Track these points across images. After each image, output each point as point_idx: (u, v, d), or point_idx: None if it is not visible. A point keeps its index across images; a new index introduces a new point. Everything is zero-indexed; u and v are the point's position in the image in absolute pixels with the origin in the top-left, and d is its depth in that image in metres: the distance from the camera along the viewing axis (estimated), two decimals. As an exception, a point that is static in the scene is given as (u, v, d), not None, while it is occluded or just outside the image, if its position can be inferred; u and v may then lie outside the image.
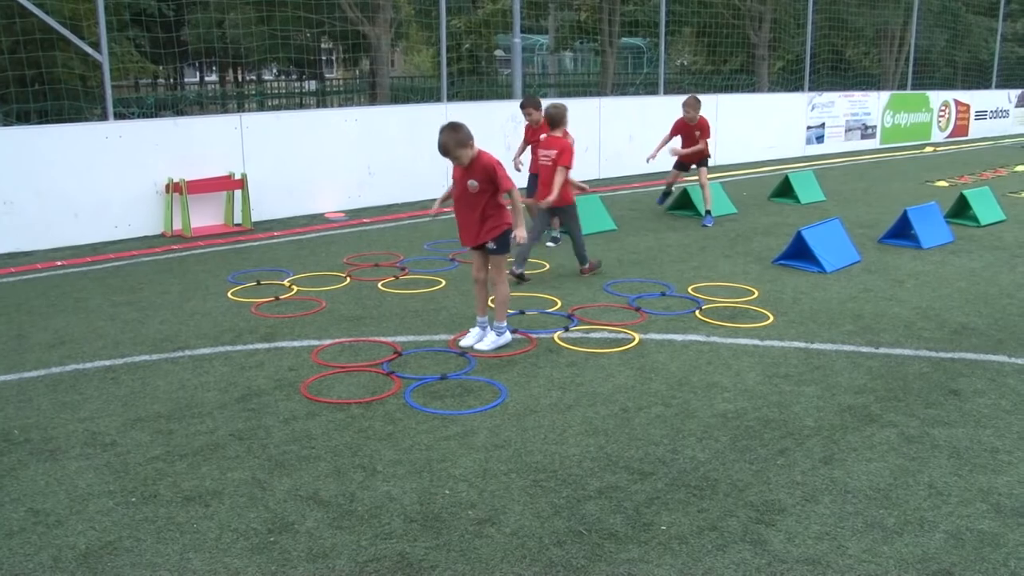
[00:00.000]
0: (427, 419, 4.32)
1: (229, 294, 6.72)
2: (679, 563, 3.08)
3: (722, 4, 18.80)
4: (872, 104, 18.88)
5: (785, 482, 3.66)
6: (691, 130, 9.79)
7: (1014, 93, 23.59)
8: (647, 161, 9.99)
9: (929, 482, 3.66)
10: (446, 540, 3.22)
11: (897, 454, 3.92)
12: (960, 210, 9.76)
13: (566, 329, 5.75)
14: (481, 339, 5.40)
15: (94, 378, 4.93)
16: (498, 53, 25.42)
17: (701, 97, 9.94)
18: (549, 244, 8.46)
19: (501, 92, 17.75)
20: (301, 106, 23.05)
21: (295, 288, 6.88)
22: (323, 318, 6.07)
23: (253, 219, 9.69)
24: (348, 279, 7.19)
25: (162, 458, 3.90)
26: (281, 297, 6.60)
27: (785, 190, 11.49)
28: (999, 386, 4.75)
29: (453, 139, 5.10)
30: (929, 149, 19.05)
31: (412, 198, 11.17)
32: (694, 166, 9.99)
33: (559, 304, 6.38)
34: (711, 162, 10.36)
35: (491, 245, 5.35)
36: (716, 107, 15.15)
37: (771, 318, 6.00)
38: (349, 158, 10.81)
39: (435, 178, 10.89)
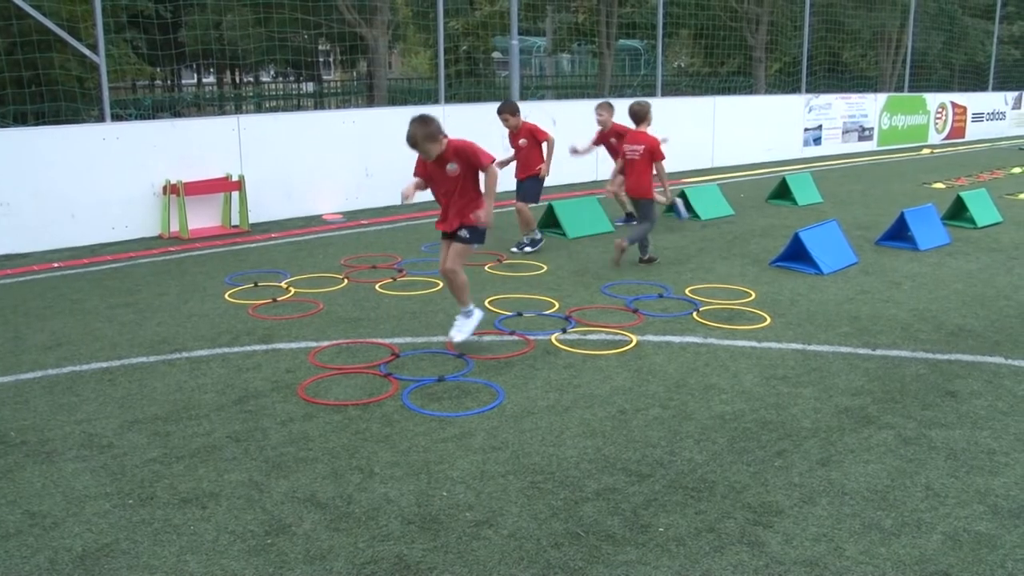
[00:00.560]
0: (424, 421, 4.32)
1: (226, 296, 6.71)
2: (677, 565, 3.08)
3: (719, 6, 18.83)
4: (869, 106, 18.91)
5: (783, 484, 3.66)
6: (605, 138, 9.29)
7: (1010, 95, 23.66)
8: (571, 153, 9.33)
9: (926, 484, 3.66)
10: (443, 542, 3.22)
11: (894, 456, 3.92)
12: (957, 212, 9.78)
13: (564, 331, 5.74)
14: (460, 329, 5.36)
15: (91, 380, 4.92)
16: (496, 55, 25.46)
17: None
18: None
19: (499, 94, 17.74)
20: (299, 108, 23.07)
21: (292, 290, 6.87)
22: (320, 320, 6.07)
23: (250, 221, 9.69)
24: (346, 281, 7.18)
25: (159, 460, 3.90)
26: (278, 299, 6.59)
27: (782, 192, 11.50)
28: (996, 388, 4.75)
29: (422, 132, 5.01)
30: (926, 151, 19.08)
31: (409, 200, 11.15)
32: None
33: (557, 306, 6.38)
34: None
35: (464, 233, 5.28)
36: (713, 109, 15.17)
37: (768, 320, 6.00)
38: (347, 160, 10.81)
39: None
